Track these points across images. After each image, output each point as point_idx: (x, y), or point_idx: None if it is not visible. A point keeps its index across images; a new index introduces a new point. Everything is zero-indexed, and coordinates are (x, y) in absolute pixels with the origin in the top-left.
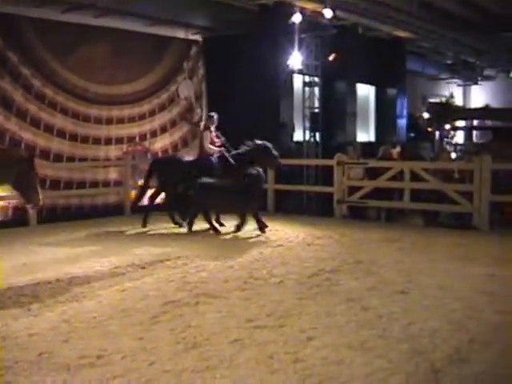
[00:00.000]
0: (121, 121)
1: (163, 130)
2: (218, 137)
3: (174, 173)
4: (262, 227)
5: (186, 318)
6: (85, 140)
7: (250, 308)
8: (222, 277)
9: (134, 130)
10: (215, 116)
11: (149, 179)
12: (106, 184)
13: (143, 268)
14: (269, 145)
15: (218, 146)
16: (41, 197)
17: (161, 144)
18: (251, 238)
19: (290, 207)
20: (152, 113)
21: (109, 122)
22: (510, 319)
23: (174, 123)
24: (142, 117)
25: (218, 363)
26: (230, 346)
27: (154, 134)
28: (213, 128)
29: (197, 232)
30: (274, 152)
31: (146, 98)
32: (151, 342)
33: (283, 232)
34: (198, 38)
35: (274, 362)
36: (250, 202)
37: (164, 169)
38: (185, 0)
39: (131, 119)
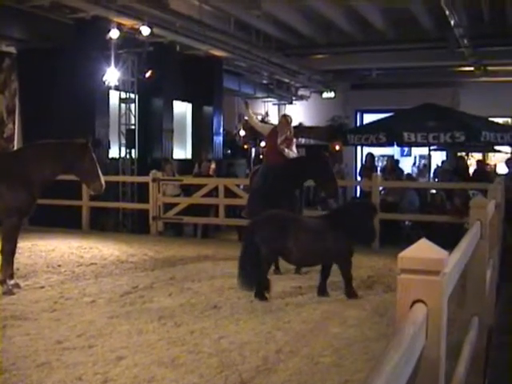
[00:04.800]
0: None
1: None
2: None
3: None
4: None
5: None
6: None
7: (60, 329)
8: (32, 297)
9: None
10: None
11: None
12: None
13: None
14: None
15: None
16: (102, 182)
17: None
18: (63, 256)
19: (106, 224)
20: None
21: None
22: (313, 327)
23: None
24: None
25: None
26: (38, 369)
27: None
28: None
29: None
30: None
31: None
32: None
33: (97, 250)
34: (11, 50)
35: None
36: None
37: None
38: None
39: None
